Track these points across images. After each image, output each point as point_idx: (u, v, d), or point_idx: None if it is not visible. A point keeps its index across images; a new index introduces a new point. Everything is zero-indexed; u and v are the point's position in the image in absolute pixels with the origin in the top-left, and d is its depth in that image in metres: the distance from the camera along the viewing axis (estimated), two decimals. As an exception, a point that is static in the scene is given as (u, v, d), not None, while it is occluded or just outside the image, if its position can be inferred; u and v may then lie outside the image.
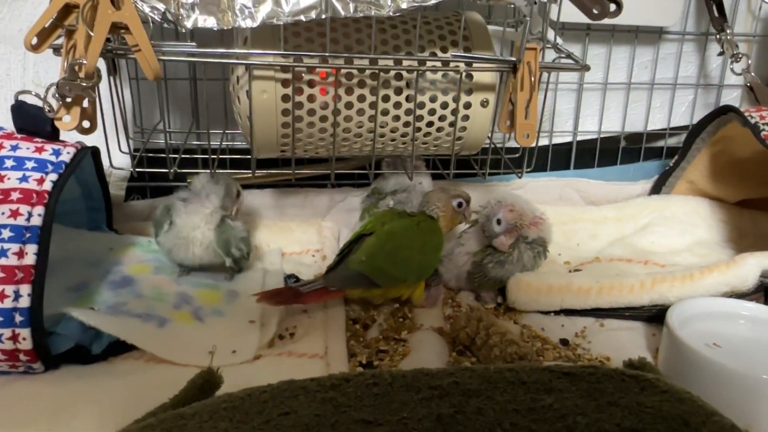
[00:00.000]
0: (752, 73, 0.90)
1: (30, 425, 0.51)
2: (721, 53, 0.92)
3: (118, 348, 0.62)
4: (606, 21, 0.64)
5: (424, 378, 0.46)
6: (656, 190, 0.95)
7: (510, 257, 0.74)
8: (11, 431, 0.49)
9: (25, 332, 0.54)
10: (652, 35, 0.96)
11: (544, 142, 0.97)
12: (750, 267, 0.70)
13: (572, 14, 0.67)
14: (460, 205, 0.75)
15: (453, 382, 0.46)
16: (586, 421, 0.42)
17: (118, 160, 0.74)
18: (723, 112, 0.85)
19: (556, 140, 0.98)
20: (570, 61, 0.71)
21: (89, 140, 0.66)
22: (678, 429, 0.42)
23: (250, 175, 0.77)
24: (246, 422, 0.42)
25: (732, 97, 1.01)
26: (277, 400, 0.44)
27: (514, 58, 0.65)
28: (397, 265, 0.70)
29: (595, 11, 0.58)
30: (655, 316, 0.71)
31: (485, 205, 0.75)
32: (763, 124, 0.76)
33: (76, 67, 0.55)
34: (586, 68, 0.69)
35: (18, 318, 0.54)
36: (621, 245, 0.87)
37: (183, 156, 0.79)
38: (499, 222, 0.73)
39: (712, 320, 0.66)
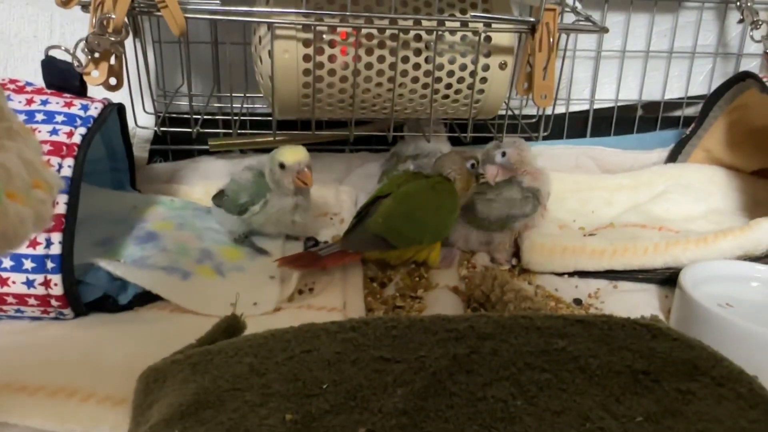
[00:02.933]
0: (772, 41, 0.90)
1: (61, 365, 0.53)
2: (741, 21, 0.91)
3: (144, 298, 0.64)
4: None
5: (440, 322, 0.48)
6: (672, 158, 0.95)
7: (499, 194, 0.75)
8: (43, 370, 0.51)
9: (56, 278, 0.56)
10: (672, 3, 0.95)
11: (560, 109, 0.97)
12: (764, 231, 0.71)
13: (592, -21, 0.68)
14: (473, 166, 0.76)
15: (469, 326, 0.47)
16: (598, 363, 0.43)
17: (142, 121, 0.75)
18: (741, 78, 0.84)
19: (573, 108, 0.98)
20: (588, 23, 0.71)
21: (115, 101, 0.67)
22: (688, 372, 0.43)
23: (270, 137, 0.78)
24: (270, 358, 0.44)
25: (751, 66, 1.00)
26: (300, 339, 0.46)
27: (533, 19, 0.66)
28: (414, 226, 0.72)
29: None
30: (668, 278, 0.72)
31: (498, 142, 0.77)
32: (782, 91, 0.76)
33: (105, 22, 0.57)
34: (605, 30, 0.69)
35: (50, 264, 0.56)
36: (636, 212, 0.88)
37: (204, 118, 0.81)
38: (503, 154, 0.75)
39: (724, 282, 0.66)
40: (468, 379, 0.41)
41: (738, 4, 0.90)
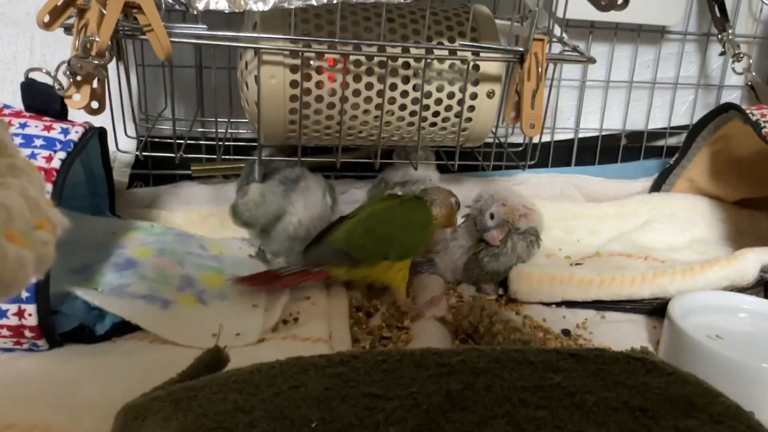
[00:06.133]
0: (753, 73, 0.91)
1: (35, 400, 0.51)
2: (723, 53, 0.93)
3: (122, 329, 0.62)
4: (609, 18, 0.65)
5: (432, 356, 0.46)
6: (656, 188, 0.96)
7: (504, 249, 0.74)
8: (17, 406, 0.49)
9: (30, 308, 0.54)
10: (655, 34, 0.97)
11: (546, 138, 0.97)
12: (750, 262, 0.71)
13: (577, 11, 0.68)
14: (457, 204, 0.76)
15: (461, 360, 0.46)
16: (594, 399, 0.42)
17: (123, 145, 0.74)
18: (724, 109, 0.85)
19: (558, 137, 0.99)
20: (576, 54, 0.72)
21: (96, 124, 0.65)
22: (684, 409, 0.42)
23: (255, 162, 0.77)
24: (256, 394, 0.42)
25: (732, 98, 1.02)
26: (287, 374, 0.44)
27: (521, 48, 0.66)
28: (376, 240, 0.70)
29: (602, 2, 0.59)
30: (655, 309, 0.71)
31: (477, 198, 0.76)
32: (764, 122, 0.77)
33: (89, 45, 0.55)
34: (592, 61, 0.69)
35: (24, 294, 0.54)
36: (621, 241, 0.88)
37: (187, 142, 0.79)
38: (492, 216, 0.74)
39: (713, 313, 0.66)
40: (462, 417, 0.40)
41: (720, 37, 0.91)
